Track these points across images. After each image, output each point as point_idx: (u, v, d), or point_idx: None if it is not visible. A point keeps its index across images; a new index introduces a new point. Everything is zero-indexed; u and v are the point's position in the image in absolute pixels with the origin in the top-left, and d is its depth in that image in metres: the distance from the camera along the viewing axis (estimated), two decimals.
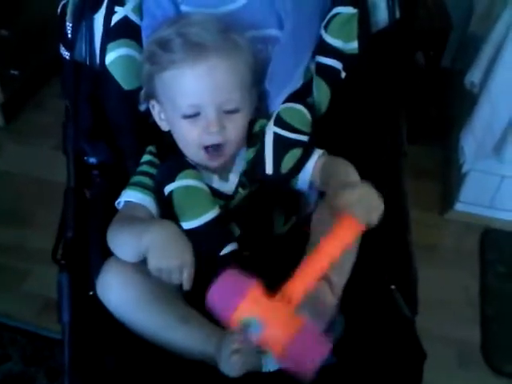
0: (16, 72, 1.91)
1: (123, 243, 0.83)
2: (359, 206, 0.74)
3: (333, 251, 0.71)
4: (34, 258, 1.55)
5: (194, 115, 0.86)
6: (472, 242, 1.72)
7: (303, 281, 0.70)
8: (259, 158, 0.92)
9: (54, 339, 1.39)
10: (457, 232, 1.76)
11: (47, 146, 1.87)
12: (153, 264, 0.76)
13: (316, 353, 0.66)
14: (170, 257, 0.76)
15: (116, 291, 0.81)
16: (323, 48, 0.97)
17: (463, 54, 1.93)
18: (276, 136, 0.93)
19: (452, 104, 1.99)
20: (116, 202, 0.91)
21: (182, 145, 0.91)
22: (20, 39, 1.90)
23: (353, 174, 0.86)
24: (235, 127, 0.88)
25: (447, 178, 1.83)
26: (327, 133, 0.98)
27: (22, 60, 1.95)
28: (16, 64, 1.92)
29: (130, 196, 0.89)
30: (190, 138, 0.88)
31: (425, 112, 1.91)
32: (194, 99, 0.85)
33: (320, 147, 0.95)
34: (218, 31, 0.85)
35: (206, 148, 0.87)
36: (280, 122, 0.94)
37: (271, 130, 0.93)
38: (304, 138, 0.94)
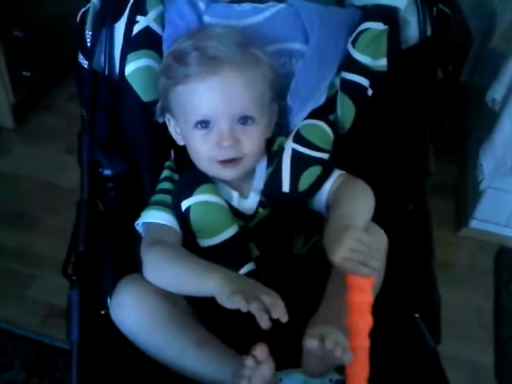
0: (28, 73, 1.90)
1: (177, 278, 0.78)
2: (351, 261, 0.71)
3: (362, 321, 0.70)
4: (39, 264, 1.53)
5: (206, 127, 0.84)
6: (486, 260, 1.69)
7: (361, 366, 0.69)
8: (276, 175, 0.89)
9: (58, 348, 1.36)
10: (471, 250, 1.72)
11: (56, 149, 1.86)
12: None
13: None
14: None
15: (131, 312, 0.78)
16: (350, 64, 0.94)
17: (482, 68, 1.91)
18: (294, 152, 0.90)
19: (467, 118, 1.96)
20: (136, 223, 0.88)
21: (195, 159, 0.88)
22: (33, 41, 1.89)
23: (360, 203, 0.84)
24: (250, 140, 0.85)
25: (462, 194, 1.80)
26: (351, 150, 0.95)
27: (34, 62, 1.94)
28: (28, 65, 1.90)
29: (155, 217, 0.86)
30: (202, 152, 0.86)
31: (440, 126, 1.89)
32: (206, 110, 0.83)
33: (343, 165, 0.92)
34: (237, 45, 0.83)
35: (221, 161, 0.85)
36: (299, 139, 0.91)
37: (290, 146, 0.90)
38: (324, 155, 0.90)
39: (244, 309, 0.66)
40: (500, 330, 1.51)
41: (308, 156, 0.89)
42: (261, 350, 0.69)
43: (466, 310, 1.53)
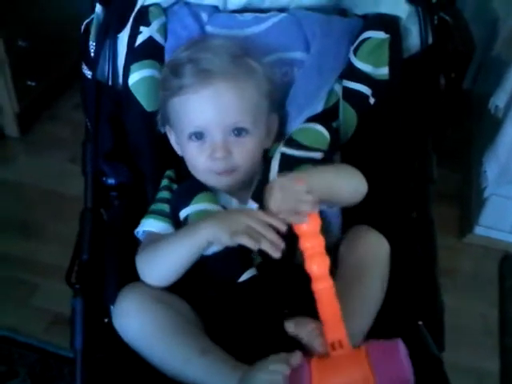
0: (32, 83, 1.91)
1: (170, 252, 0.80)
2: (282, 212, 0.73)
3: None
4: (43, 272, 1.53)
5: (200, 138, 0.84)
6: (491, 267, 1.67)
7: (336, 322, 0.70)
8: (264, 180, 0.89)
9: (62, 356, 1.36)
10: (475, 257, 1.71)
11: (61, 158, 1.87)
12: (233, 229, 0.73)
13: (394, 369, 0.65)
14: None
15: (133, 320, 0.78)
16: (351, 72, 0.95)
17: (485, 75, 1.91)
18: (283, 156, 0.90)
19: (471, 125, 1.96)
20: (136, 231, 0.89)
21: (192, 170, 0.89)
22: (38, 50, 1.90)
23: (327, 173, 0.85)
24: (243, 152, 0.85)
25: (466, 201, 1.79)
26: (354, 158, 0.94)
27: (38, 71, 1.95)
28: (33, 75, 1.91)
29: (152, 226, 0.87)
30: (198, 163, 0.86)
31: (443, 133, 1.88)
32: (199, 121, 0.84)
33: None
34: (232, 56, 0.84)
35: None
36: (290, 143, 0.91)
37: (279, 151, 0.90)
38: (316, 154, 0.90)
39: (254, 247, 0.72)
40: (505, 337, 1.50)
41: (296, 157, 0.89)
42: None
43: (471, 316, 1.52)
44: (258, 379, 0.70)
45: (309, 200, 0.72)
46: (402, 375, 0.65)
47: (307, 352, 0.72)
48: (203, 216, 0.84)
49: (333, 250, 0.89)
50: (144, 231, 0.88)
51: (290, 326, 0.73)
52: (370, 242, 0.86)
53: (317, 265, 0.71)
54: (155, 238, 0.85)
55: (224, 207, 0.87)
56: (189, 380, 0.76)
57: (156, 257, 0.81)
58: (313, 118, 0.94)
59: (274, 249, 0.72)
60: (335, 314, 0.71)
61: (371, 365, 0.65)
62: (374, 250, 0.85)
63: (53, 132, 1.99)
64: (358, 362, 0.66)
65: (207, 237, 0.76)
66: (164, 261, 0.81)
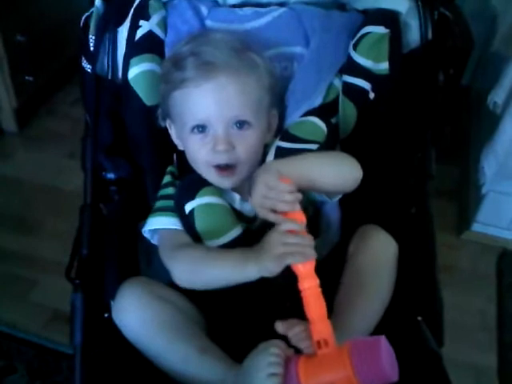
0: (30, 78, 1.90)
1: (215, 275, 0.79)
2: (263, 209, 0.74)
3: (310, 281, 0.71)
4: (42, 268, 1.53)
5: (203, 131, 0.84)
6: (489, 263, 1.68)
7: (322, 321, 0.71)
8: None
9: (61, 352, 1.36)
10: (473, 253, 1.71)
11: (59, 153, 1.86)
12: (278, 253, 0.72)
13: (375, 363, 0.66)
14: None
15: (133, 315, 0.78)
16: (352, 67, 0.95)
17: (483, 72, 1.91)
18: (278, 149, 0.90)
19: (469, 122, 1.96)
20: (143, 230, 0.88)
21: (193, 164, 0.89)
22: (36, 45, 1.89)
23: (317, 159, 0.85)
24: (245, 145, 0.85)
25: (464, 198, 1.79)
26: (353, 153, 0.94)
27: (36, 66, 1.95)
28: (31, 70, 1.91)
29: (166, 223, 0.87)
30: (199, 157, 0.86)
31: (442, 129, 1.88)
32: (201, 115, 0.84)
33: None
34: (234, 50, 0.84)
35: (217, 166, 0.85)
36: (285, 136, 0.91)
37: (275, 145, 0.91)
38: (311, 146, 0.90)
39: (303, 261, 0.71)
40: (503, 333, 1.50)
41: (291, 149, 0.89)
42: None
43: (469, 313, 1.52)
44: (257, 361, 0.70)
45: (289, 200, 0.72)
46: (382, 374, 0.65)
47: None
48: (207, 213, 0.84)
49: (336, 249, 0.90)
50: (156, 229, 0.88)
51: (279, 327, 0.73)
52: (380, 242, 0.86)
53: (302, 263, 0.71)
54: (181, 237, 0.85)
55: (228, 202, 0.87)
56: (187, 376, 0.76)
57: (201, 273, 0.80)
58: (310, 112, 0.94)
59: (311, 250, 0.71)
60: (321, 313, 0.71)
61: (352, 364, 0.66)
62: (383, 251, 0.86)
63: (51, 127, 1.99)
64: (340, 362, 0.67)
65: (257, 274, 0.74)
66: (206, 279, 0.80)
